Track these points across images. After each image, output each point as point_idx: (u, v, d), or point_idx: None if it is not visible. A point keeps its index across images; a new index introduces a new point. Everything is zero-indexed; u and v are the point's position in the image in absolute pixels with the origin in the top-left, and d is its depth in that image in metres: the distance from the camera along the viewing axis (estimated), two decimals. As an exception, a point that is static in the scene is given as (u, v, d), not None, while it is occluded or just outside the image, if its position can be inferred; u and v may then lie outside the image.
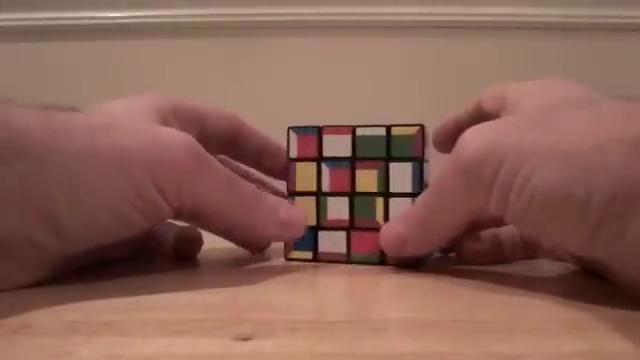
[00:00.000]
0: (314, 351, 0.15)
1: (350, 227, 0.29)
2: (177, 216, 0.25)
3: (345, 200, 0.29)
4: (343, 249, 0.29)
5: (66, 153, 0.21)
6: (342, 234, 0.29)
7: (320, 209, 0.29)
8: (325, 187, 0.29)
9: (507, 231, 0.30)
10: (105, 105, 0.27)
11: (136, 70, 1.12)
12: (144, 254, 0.32)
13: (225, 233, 0.29)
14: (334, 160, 0.29)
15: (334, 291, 0.25)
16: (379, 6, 1.10)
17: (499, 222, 0.30)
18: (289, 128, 0.29)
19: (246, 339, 0.16)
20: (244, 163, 0.35)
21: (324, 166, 0.29)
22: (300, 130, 0.29)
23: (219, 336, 0.17)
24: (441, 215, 0.25)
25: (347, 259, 0.29)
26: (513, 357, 0.15)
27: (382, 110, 0.95)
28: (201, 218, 0.26)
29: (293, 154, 0.29)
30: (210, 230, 0.28)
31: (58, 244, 0.22)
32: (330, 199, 0.29)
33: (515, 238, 0.30)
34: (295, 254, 0.30)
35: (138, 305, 0.20)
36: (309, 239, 0.29)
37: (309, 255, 0.29)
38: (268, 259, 0.31)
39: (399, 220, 0.27)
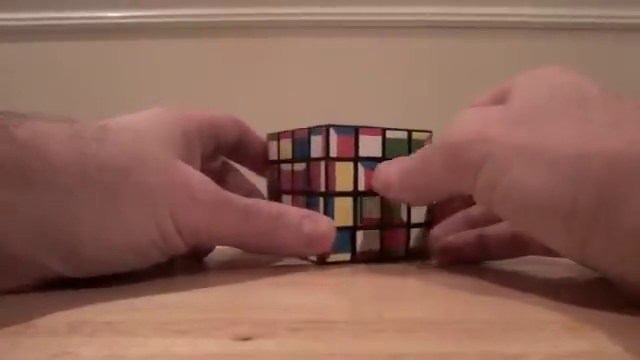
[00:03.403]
0: (314, 351, 0.15)
1: (382, 224, 0.30)
2: (192, 249, 0.26)
3: (377, 199, 0.30)
4: (377, 246, 0.30)
5: (96, 189, 0.22)
6: (376, 232, 0.30)
7: (357, 209, 0.30)
8: (361, 187, 0.30)
9: (493, 228, 0.30)
10: (133, 120, 0.26)
11: (135, 70, 1.12)
12: None
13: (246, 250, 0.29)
14: (368, 160, 0.30)
15: (334, 291, 0.25)
16: (379, 6, 1.10)
17: (470, 204, 0.31)
18: (329, 126, 0.29)
19: (246, 339, 0.16)
20: (244, 165, 0.35)
21: (360, 166, 0.30)
22: (340, 130, 0.29)
23: (219, 336, 0.17)
24: (421, 183, 0.26)
25: (380, 256, 0.30)
26: (513, 357, 0.15)
27: (382, 109, 0.95)
28: (218, 245, 0.29)
29: (333, 153, 0.29)
30: None
31: (71, 271, 0.22)
32: (365, 199, 0.30)
33: (501, 235, 0.29)
34: (332, 257, 0.29)
35: (138, 305, 0.21)
36: (346, 240, 0.29)
37: (347, 257, 0.29)
38: (270, 260, 0.31)
39: (392, 166, 0.28)
